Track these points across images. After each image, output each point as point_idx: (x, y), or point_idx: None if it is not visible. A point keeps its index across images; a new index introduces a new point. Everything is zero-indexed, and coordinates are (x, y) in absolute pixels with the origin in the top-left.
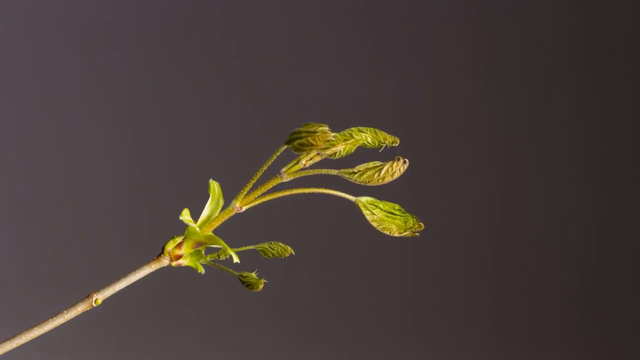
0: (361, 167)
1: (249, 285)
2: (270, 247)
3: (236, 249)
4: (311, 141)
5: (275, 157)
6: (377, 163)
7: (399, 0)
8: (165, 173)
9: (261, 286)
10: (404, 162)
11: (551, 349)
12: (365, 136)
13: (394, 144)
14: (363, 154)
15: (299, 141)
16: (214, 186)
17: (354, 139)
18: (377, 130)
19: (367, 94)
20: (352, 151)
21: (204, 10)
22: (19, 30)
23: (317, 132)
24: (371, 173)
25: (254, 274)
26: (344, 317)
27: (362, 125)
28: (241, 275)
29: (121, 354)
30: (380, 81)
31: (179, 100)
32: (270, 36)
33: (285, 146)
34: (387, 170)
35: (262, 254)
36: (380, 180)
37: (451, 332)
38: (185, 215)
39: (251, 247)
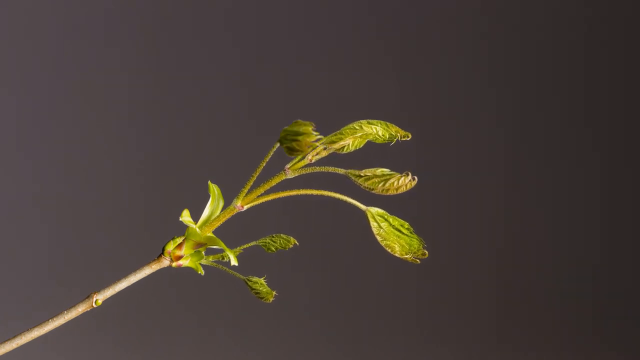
0: (369, 171)
1: (258, 294)
2: (272, 241)
3: (239, 248)
4: (296, 147)
5: (271, 154)
6: (385, 172)
7: (400, 0)
8: (166, 173)
9: (271, 299)
10: (412, 179)
11: (553, 350)
12: (376, 129)
13: (405, 138)
14: (375, 152)
15: (286, 145)
16: (214, 187)
17: (363, 132)
18: (388, 123)
19: (368, 94)
20: (362, 145)
21: (203, 9)
22: (19, 30)
23: (300, 135)
24: (376, 181)
25: (262, 281)
26: (345, 317)
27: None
28: (249, 280)
29: (121, 354)
30: (381, 81)
31: (179, 101)
32: (270, 36)
33: (277, 144)
34: (393, 183)
35: (265, 248)
36: (384, 191)
37: (453, 333)
38: (186, 216)
39: (253, 243)
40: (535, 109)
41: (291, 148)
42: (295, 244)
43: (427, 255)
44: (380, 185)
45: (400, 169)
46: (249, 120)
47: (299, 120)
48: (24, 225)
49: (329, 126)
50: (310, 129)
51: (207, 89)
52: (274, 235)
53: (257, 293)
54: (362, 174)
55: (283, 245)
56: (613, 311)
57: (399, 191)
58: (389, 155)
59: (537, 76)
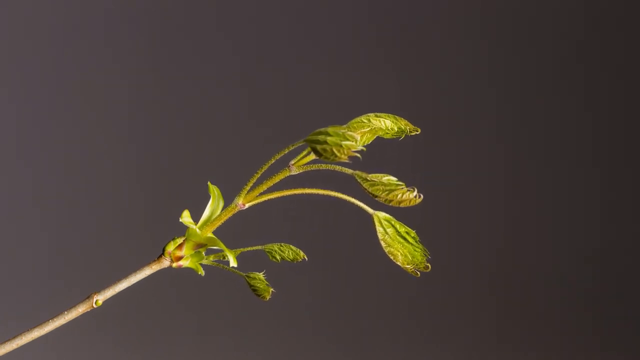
0: (375, 177)
1: (255, 291)
2: (280, 250)
3: (242, 249)
4: (336, 153)
5: (284, 153)
6: (392, 180)
7: (399, 0)
8: (166, 173)
9: (268, 296)
10: (418, 196)
11: (553, 350)
12: (384, 122)
13: (414, 132)
14: (376, 152)
15: (321, 147)
16: (214, 188)
17: (371, 125)
18: (396, 116)
19: (368, 94)
20: (370, 142)
21: (202, 11)
22: (19, 30)
23: (344, 142)
24: (381, 189)
25: (262, 276)
26: (345, 317)
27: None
28: (248, 277)
29: (121, 354)
30: (381, 81)
31: (179, 101)
32: (270, 35)
33: (302, 143)
34: (397, 195)
35: (270, 256)
36: (386, 201)
37: (453, 333)
38: (186, 217)
39: (258, 247)
40: (535, 109)
41: (327, 151)
42: (304, 259)
43: (429, 269)
44: (384, 194)
45: (401, 169)
46: (249, 120)
47: (337, 125)
48: (24, 225)
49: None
50: (356, 137)
51: (207, 89)
52: (282, 244)
53: (254, 290)
54: (368, 178)
55: (291, 257)
56: (613, 311)
57: (402, 205)
58: (390, 155)
59: (537, 76)
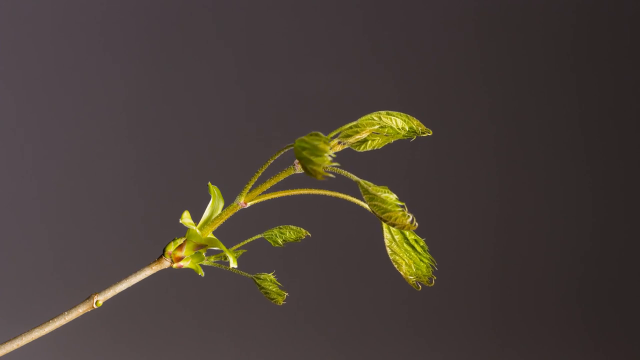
0: (376, 190)
1: (267, 294)
2: (281, 233)
3: (241, 243)
4: (310, 171)
5: (279, 155)
6: (389, 199)
7: (396, 1)
8: (167, 174)
9: (282, 301)
10: (412, 223)
11: (552, 350)
12: (395, 120)
13: (426, 134)
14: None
15: (302, 163)
16: (214, 188)
17: (381, 124)
18: (408, 115)
19: (363, 94)
20: (381, 147)
21: (199, 11)
22: (19, 31)
23: (317, 156)
24: (377, 205)
25: (272, 277)
26: (345, 318)
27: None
28: (257, 278)
29: (122, 354)
30: (376, 81)
31: (179, 103)
32: (270, 37)
33: (290, 147)
34: (390, 216)
35: (272, 242)
36: (378, 217)
37: (452, 333)
38: (186, 218)
39: (258, 236)
40: (532, 111)
41: (305, 169)
42: (307, 236)
43: (432, 284)
44: (379, 211)
45: (400, 168)
46: (250, 121)
47: (319, 133)
48: (24, 227)
49: (329, 126)
50: (327, 148)
51: (208, 89)
52: (281, 226)
53: (266, 293)
54: (370, 191)
55: (294, 237)
56: (613, 311)
57: (396, 227)
58: (391, 155)
59: (535, 78)
